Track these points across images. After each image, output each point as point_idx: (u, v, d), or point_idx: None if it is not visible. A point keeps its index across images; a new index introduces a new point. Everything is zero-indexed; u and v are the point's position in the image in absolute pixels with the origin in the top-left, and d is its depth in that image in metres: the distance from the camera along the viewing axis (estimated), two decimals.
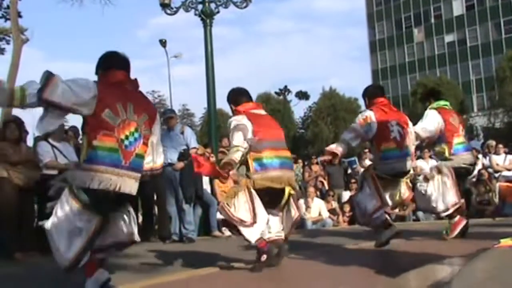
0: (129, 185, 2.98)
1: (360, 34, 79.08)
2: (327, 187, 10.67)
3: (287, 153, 4.16)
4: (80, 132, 3.08)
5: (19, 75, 14.67)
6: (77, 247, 2.90)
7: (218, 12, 9.16)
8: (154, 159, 3.28)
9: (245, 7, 9.36)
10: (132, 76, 3.22)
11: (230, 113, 4.27)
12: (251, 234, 3.81)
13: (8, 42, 20.54)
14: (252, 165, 3.94)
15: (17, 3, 15.97)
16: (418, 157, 5.57)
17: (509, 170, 9.83)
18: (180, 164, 6.82)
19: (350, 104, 45.42)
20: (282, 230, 4.07)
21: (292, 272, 3.84)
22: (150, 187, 6.76)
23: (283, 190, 3.99)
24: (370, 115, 4.78)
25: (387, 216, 4.90)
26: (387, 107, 4.94)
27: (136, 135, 3.01)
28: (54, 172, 5.94)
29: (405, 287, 3.22)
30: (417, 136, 5.21)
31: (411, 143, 4.93)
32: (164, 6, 9.33)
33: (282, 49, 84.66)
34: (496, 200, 8.89)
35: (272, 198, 3.96)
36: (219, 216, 4.07)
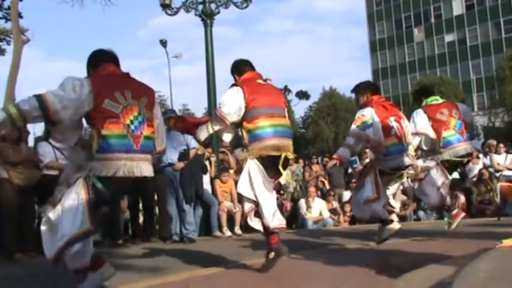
0: (145, 167, 3.04)
1: (360, 34, 79.13)
2: (328, 187, 10.67)
3: (283, 120, 4.01)
4: (87, 125, 3.08)
5: (19, 75, 14.71)
6: (67, 237, 2.87)
7: (218, 12, 9.15)
8: (160, 143, 3.37)
9: (245, 7, 9.36)
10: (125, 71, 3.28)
11: None
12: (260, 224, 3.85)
13: (8, 43, 20.57)
14: (246, 137, 3.88)
15: (18, 3, 15.99)
16: (419, 157, 5.60)
17: (510, 169, 9.83)
18: (180, 164, 6.82)
19: (350, 104, 45.32)
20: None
21: (293, 272, 3.84)
22: (151, 187, 6.78)
23: (279, 156, 3.88)
24: (372, 112, 4.78)
25: (387, 213, 4.89)
26: (386, 103, 4.97)
27: (140, 118, 3.06)
28: (55, 172, 5.94)
29: None
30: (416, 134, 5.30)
31: (409, 137, 5.04)
32: (165, 6, 9.32)
33: (282, 49, 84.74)
34: (497, 199, 8.88)
35: (268, 165, 3.88)
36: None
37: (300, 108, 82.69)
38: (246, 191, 3.86)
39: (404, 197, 9.30)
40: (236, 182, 5.51)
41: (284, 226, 3.92)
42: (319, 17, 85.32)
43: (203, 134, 4.05)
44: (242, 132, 3.96)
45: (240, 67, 4.20)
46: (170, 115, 7.32)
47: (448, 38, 46.48)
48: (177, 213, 6.97)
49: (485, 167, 9.89)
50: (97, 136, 2.93)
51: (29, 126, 6.39)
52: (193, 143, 6.96)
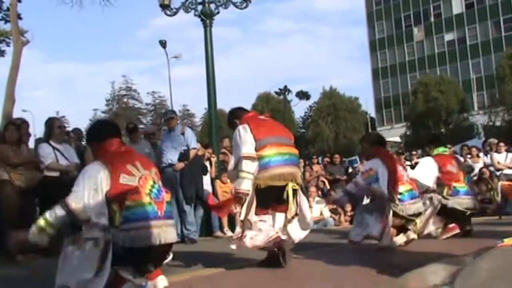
0: (170, 233, 3.01)
1: (360, 34, 79.18)
2: (328, 187, 10.66)
3: (291, 149, 4.07)
4: (107, 205, 2.94)
5: (19, 77, 14.69)
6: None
7: (218, 12, 9.15)
8: None
9: (245, 7, 9.35)
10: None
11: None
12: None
13: (8, 44, 20.52)
14: None
15: (17, 5, 15.97)
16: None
17: (510, 168, 9.81)
18: (180, 165, 6.82)
19: (350, 104, 45.45)
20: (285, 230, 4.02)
21: (294, 272, 3.84)
22: None
23: (285, 186, 3.91)
24: (379, 163, 4.83)
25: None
26: (392, 154, 5.24)
27: (156, 186, 3.05)
28: (56, 174, 5.95)
29: (408, 287, 3.22)
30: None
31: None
32: (164, 7, 9.32)
33: (282, 49, 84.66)
34: (498, 198, 8.86)
35: (274, 196, 3.91)
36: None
37: (300, 108, 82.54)
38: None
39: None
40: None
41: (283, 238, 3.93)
42: (319, 17, 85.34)
43: (246, 184, 3.88)
44: None
45: (238, 113, 4.30)
46: (170, 115, 7.34)
47: (448, 37, 46.48)
48: (177, 214, 6.97)
49: (486, 166, 9.88)
50: (119, 208, 2.87)
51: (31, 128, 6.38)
52: (193, 144, 6.96)
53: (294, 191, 3.95)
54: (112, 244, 2.83)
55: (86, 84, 77.05)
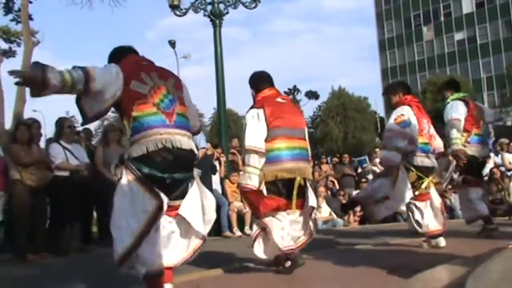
0: (184, 141, 2.92)
1: (369, 33, 78.83)
2: (337, 187, 10.64)
3: (302, 143, 3.91)
4: (119, 117, 3.03)
5: None
6: (128, 242, 2.79)
7: (227, 12, 9.15)
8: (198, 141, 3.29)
9: (254, 7, 9.35)
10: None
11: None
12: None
13: (19, 45, 20.72)
14: None
15: (28, 6, 16.09)
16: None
17: None
18: None
19: (359, 103, 45.28)
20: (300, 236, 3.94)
21: (303, 273, 3.82)
22: None
23: (294, 179, 3.79)
24: (409, 110, 4.71)
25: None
26: (419, 104, 4.95)
27: (169, 97, 2.98)
28: (66, 173, 5.98)
29: None
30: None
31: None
32: (174, 7, 9.33)
33: (291, 48, 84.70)
34: (509, 199, 8.80)
35: (282, 189, 3.80)
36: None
37: (309, 108, 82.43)
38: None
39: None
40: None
41: (294, 248, 3.81)
42: (328, 17, 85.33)
43: (253, 180, 3.78)
44: None
45: (259, 83, 4.06)
46: None
47: (458, 36, 46.18)
48: None
49: (496, 166, 9.79)
50: (128, 121, 2.89)
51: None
52: (202, 143, 6.97)
53: (300, 186, 3.82)
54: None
55: None
